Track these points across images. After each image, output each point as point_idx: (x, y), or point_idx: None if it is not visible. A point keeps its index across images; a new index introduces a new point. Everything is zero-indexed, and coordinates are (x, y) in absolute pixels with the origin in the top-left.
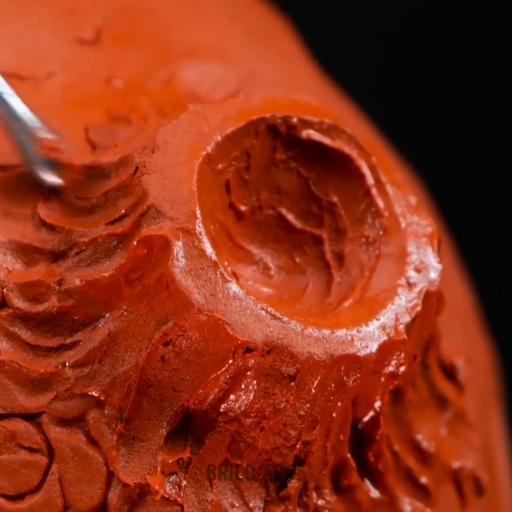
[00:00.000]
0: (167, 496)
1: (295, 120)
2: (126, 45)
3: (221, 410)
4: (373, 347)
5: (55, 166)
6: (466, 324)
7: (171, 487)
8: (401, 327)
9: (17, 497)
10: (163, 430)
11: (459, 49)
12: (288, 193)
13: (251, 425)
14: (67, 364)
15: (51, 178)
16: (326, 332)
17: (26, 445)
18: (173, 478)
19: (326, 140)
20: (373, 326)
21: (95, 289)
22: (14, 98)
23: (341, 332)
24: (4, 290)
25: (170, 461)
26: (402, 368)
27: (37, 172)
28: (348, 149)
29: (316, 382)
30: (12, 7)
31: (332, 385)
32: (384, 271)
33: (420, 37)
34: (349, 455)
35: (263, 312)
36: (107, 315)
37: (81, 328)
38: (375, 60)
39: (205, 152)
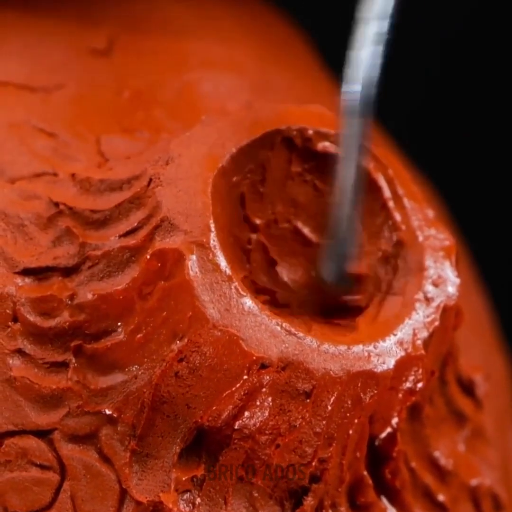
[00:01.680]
0: None
1: (310, 132)
2: (138, 55)
3: (236, 427)
4: (390, 363)
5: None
6: (484, 339)
7: (185, 505)
8: (419, 342)
9: None
10: (177, 447)
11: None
12: (304, 206)
13: (266, 442)
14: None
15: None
16: (343, 348)
17: (38, 463)
18: (187, 495)
19: None
20: (390, 342)
21: (108, 303)
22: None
23: (358, 348)
24: (16, 305)
25: (184, 479)
26: (419, 384)
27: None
28: (364, 162)
29: (332, 398)
30: (22, 17)
31: (349, 402)
32: (401, 285)
33: (437, 46)
34: (365, 473)
35: (278, 328)
36: (120, 329)
37: (93, 343)
38: (388, 70)
39: (220, 165)
